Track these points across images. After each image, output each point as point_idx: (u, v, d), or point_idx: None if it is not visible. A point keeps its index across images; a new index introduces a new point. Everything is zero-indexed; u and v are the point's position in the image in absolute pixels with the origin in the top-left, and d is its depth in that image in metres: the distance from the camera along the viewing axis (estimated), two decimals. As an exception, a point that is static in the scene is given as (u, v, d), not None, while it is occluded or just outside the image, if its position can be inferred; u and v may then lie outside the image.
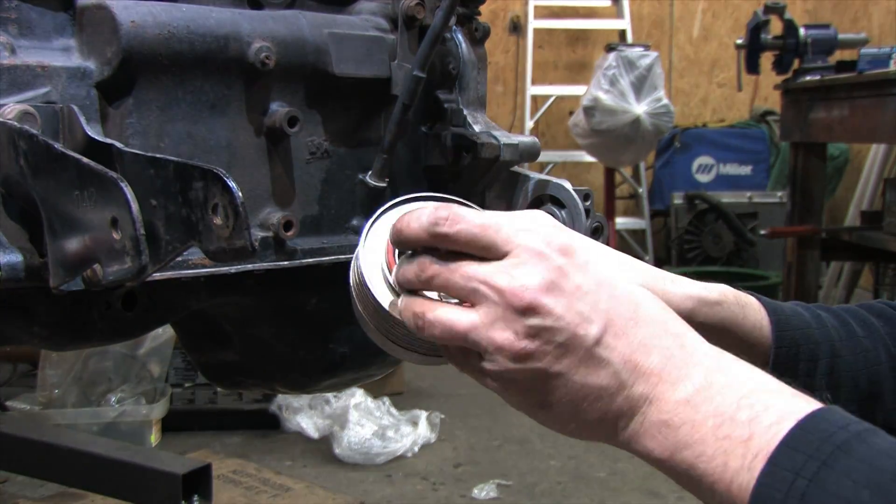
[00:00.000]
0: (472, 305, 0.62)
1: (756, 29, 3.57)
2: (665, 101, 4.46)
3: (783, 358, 0.78)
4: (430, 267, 0.64)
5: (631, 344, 0.60)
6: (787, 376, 0.76)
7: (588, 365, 0.60)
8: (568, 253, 0.62)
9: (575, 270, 0.61)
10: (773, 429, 0.54)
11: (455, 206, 0.66)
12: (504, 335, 0.60)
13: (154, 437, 2.92)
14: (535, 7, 5.61)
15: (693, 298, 0.74)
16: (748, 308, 0.78)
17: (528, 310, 0.60)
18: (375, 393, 3.11)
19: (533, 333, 0.60)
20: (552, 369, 0.60)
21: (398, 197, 0.74)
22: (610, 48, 4.66)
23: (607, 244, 0.80)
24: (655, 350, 0.60)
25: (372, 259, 0.70)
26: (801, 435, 0.53)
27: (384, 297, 0.69)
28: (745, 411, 0.56)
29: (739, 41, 3.68)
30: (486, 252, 0.63)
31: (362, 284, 0.69)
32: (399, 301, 0.67)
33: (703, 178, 5.65)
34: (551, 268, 0.61)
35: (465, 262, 0.63)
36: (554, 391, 0.61)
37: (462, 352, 0.65)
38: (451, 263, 0.63)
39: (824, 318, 0.82)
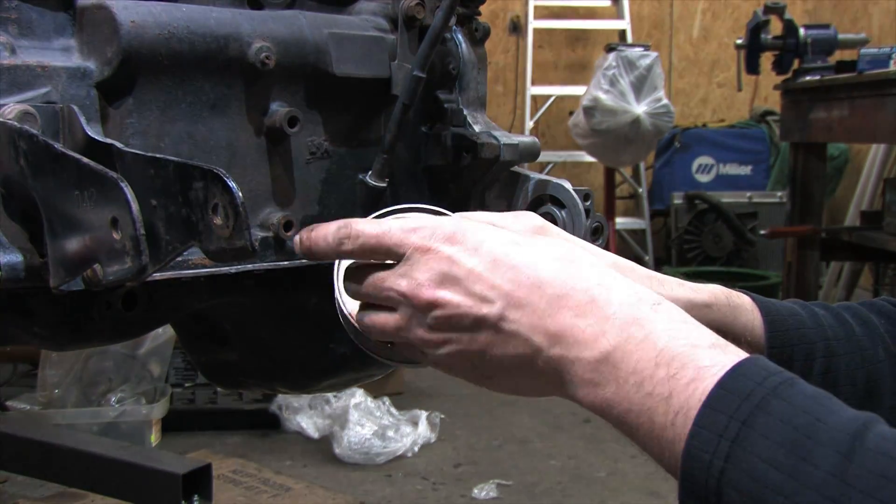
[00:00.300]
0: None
1: (756, 29, 3.57)
2: (665, 101, 4.46)
3: (776, 358, 0.77)
4: (356, 280, 0.70)
5: (535, 311, 0.61)
6: None
7: (499, 339, 0.62)
8: (455, 240, 0.64)
9: (465, 256, 0.63)
10: (690, 386, 0.55)
11: (354, 221, 0.69)
12: (421, 331, 0.65)
13: (154, 437, 2.92)
14: (535, 7, 5.61)
15: (681, 300, 0.74)
16: (739, 309, 0.78)
17: (430, 306, 0.64)
18: (375, 393, 3.11)
19: (441, 325, 0.64)
20: (472, 349, 0.64)
21: (389, 207, 0.77)
22: (610, 48, 4.66)
23: (607, 244, 0.80)
24: (563, 311, 0.60)
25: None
26: (722, 395, 0.53)
27: (353, 307, 0.74)
28: (662, 369, 0.56)
29: (739, 41, 3.68)
30: (389, 258, 0.67)
31: (336, 296, 0.74)
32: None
33: (703, 178, 5.66)
34: (441, 259, 0.64)
35: (374, 273, 0.68)
36: (484, 365, 0.64)
37: (409, 347, 0.69)
38: (366, 275, 0.68)
39: (821, 317, 0.82)
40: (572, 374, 0.60)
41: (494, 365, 0.64)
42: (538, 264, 0.62)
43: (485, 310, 0.62)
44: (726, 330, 0.77)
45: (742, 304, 0.79)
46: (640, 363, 0.57)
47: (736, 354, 0.57)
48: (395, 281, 0.66)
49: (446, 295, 0.63)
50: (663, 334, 0.58)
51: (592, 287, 0.61)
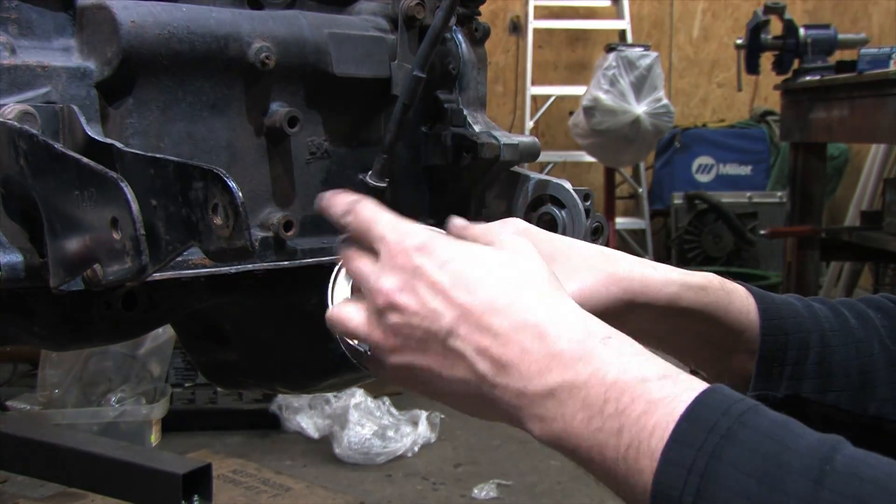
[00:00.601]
0: None
1: (756, 29, 3.57)
2: (665, 101, 4.46)
3: (771, 345, 0.77)
4: (343, 254, 0.71)
5: (485, 337, 0.61)
6: (775, 364, 0.77)
7: (447, 358, 0.62)
8: (426, 251, 0.64)
9: (431, 268, 0.63)
10: (641, 420, 0.54)
11: (365, 202, 0.70)
12: (378, 332, 0.65)
13: (154, 437, 2.92)
14: (535, 7, 5.60)
15: (676, 283, 0.74)
16: (734, 294, 0.78)
17: (387, 307, 0.64)
18: (375, 393, 3.11)
19: (396, 331, 0.64)
20: (422, 364, 0.64)
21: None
22: (610, 48, 4.66)
23: (607, 244, 0.80)
24: (511, 343, 0.60)
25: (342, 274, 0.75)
26: (687, 427, 0.53)
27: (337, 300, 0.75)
28: (611, 404, 0.56)
29: (739, 41, 3.68)
30: (371, 246, 0.68)
31: (329, 288, 0.75)
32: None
33: (703, 178, 5.65)
34: (408, 266, 0.64)
35: (357, 257, 0.69)
36: (434, 385, 0.64)
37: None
38: (351, 257, 0.70)
39: (816, 309, 0.82)
40: (519, 406, 0.60)
41: (444, 387, 0.64)
42: (496, 291, 0.62)
43: (435, 325, 0.62)
44: (722, 313, 0.76)
45: (736, 290, 0.78)
46: (589, 398, 0.57)
47: (688, 384, 0.56)
48: (369, 275, 0.66)
49: (403, 299, 0.63)
50: (612, 368, 0.57)
51: (543, 321, 0.60)
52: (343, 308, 0.70)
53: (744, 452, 0.51)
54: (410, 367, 0.65)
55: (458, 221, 0.73)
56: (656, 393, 0.55)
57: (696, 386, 0.56)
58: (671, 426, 0.53)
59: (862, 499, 0.48)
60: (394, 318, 0.64)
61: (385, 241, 0.66)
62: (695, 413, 0.53)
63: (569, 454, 0.59)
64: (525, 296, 0.62)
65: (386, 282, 0.64)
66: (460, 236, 0.71)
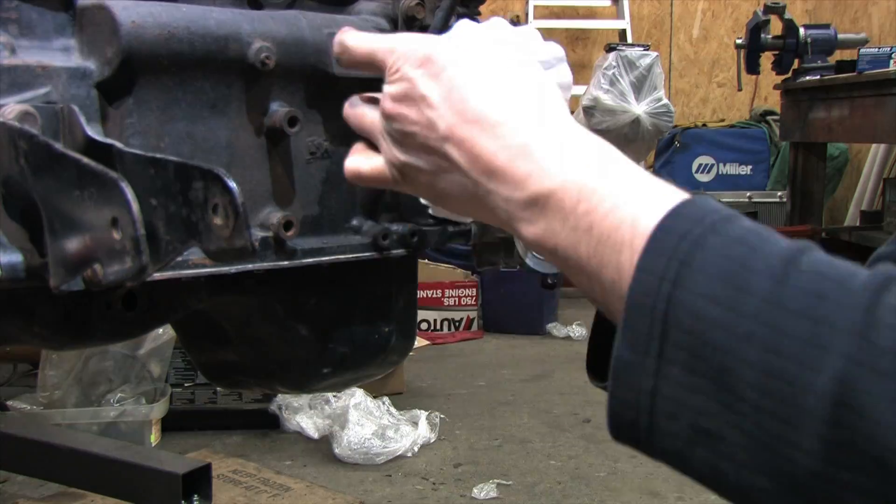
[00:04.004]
0: None
1: (756, 29, 3.57)
2: (665, 101, 4.46)
3: None
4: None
5: (475, 146, 0.63)
6: None
7: (444, 166, 0.66)
8: (421, 64, 0.67)
9: (425, 80, 0.66)
10: (608, 216, 0.57)
11: (347, 37, 0.73)
12: (384, 144, 0.70)
13: (154, 437, 2.92)
14: (535, 7, 5.61)
15: None
16: None
17: (389, 118, 0.68)
18: (375, 393, 3.11)
19: (399, 139, 0.68)
20: (426, 168, 0.67)
21: None
22: (610, 48, 4.66)
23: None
24: (501, 151, 0.62)
25: None
26: (660, 237, 0.54)
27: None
28: (583, 204, 0.58)
29: (739, 41, 3.69)
30: (379, 72, 0.71)
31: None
32: None
33: (703, 177, 5.66)
34: (404, 79, 0.67)
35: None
36: (435, 186, 0.68)
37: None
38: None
39: None
40: (508, 211, 0.63)
41: (446, 191, 0.67)
42: (490, 103, 0.64)
43: (431, 135, 0.65)
44: None
45: None
46: (563, 202, 0.59)
47: (660, 191, 0.57)
48: (383, 86, 0.70)
49: (402, 110, 0.67)
50: (588, 173, 0.60)
51: (530, 138, 0.62)
52: (360, 106, 0.74)
53: (712, 257, 0.52)
54: (415, 167, 0.68)
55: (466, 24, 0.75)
56: (623, 192, 0.58)
57: (667, 192, 0.57)
58: (638, 222, 0.55)
59: (821, 294, 0.48)
60: (395, 126, 0.68)
61: (385, 63, 0.69)
62: (670, 222, 0.54)
63: (551, 256, 0.61)
64: (516, 110, 0.64)
65: (389, 91, 0.68)
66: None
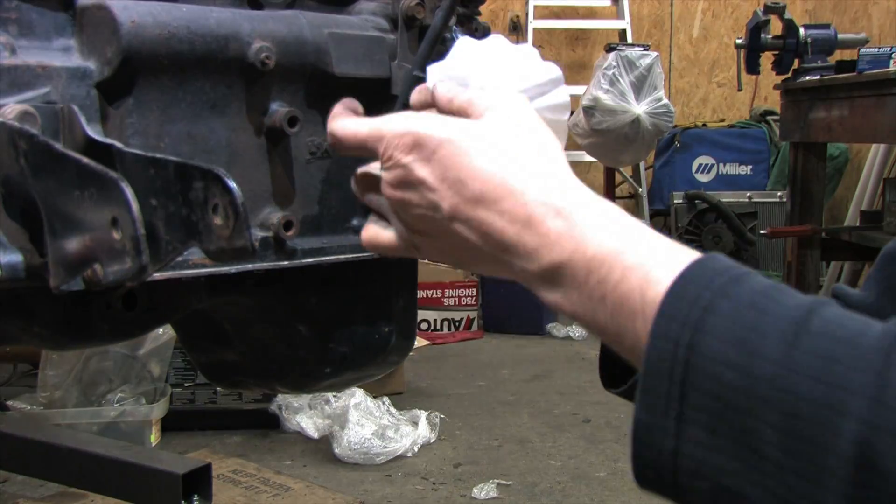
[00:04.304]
0: None
1: (756, 29, 3.57)
2: (665, 101, 4.46)
3: None
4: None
5: (483, 223, 0.64)
6: None
7: (457, 241, 0.66)
8: (412, 149, 0.67)
9: (419, 165, 0.66)
10: (619, 287, 0.58)
11: (337, 127, 0.73)
12: (395, 222, 0.71)
13: (154, 437, 2.92)
14: (535, 7, 5.60)
15: None
16: None
17: (396, 203, 0.69)
18: (375, 393, 3.11)
19: (405, 220, 0.69)
20: (438, 244, 0.68)
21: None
22: (610, 48, 4.66)
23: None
24: (507, 229, 0.63)
25: None
26: (673, 303, 0.55)
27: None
28: (594, 275, 0.59)
29: (739, 41, 3.68)
30: (375, 156, 0.71)
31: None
32: None
33: (703, 177, 5.65)
34: (399, 166, 0.67)
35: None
36: (457, 256, 0.69)
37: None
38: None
39: None
40: (526, 280, 0.64)
41: (464, 259, 0.68)
42: (486, 181, 0.64)
43: (437, 216, 0.66)
44: None
45: None
46: (575, 273, 0.60)
47: (663, 250, 0.59)
48: (381, 171, 0.70)
49: (403, 195, 0.67)
50: (591, 241, 0.61)
51: (531, 208, 0.63)
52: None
53: (725, 323, 0.53)
54: (429, 242, 0.69)
55: (443, 92, 0.73)
56: (631, 259, 0.59)
57: (674, 253, 0.59)
58: (647, 290, 0.56)
59: (833, 357, 0.49)
60: (400, 208, 0.68)
61: (379, 152, 0.69)
62: (678, 288, 0.55)
63: (573, 319, 0.63)
64: (513, 180, 0.64)
65: (386, 178, 0.68)
66: (450, 110, 0.72)
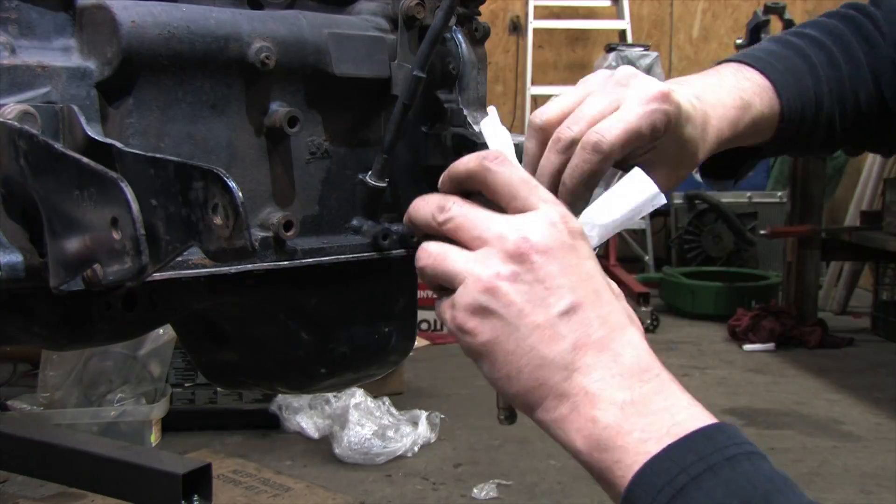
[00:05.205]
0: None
1: (756, 29, 3.57)
2: (665, 101, 4.45)
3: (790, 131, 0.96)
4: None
5: (586, 335, 0.65)
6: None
7: (547, 334, 0.65)
8: (523, 260, 0.65)
9: (539, 264, 0.65)
10: (612, 469, 0.62)
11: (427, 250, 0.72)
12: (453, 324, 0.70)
13: (154, 437, 2.92)
14: (535, 7, 5.61)
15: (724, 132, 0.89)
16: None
17: (458, 330, 0.69)
18: (375, 393, 3.11)
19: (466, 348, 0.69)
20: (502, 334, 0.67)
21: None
22: (610, 48, 4.67)
23: (607, 244, 0.81)
24: (545, 401, 0.66)
25: None
26: (679, 453, 0.59)
27: None
28: (595, 453, 0.62)
29: (739, 41, 3.69)
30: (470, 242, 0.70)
31: None
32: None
33: (704, 178, 5.64)
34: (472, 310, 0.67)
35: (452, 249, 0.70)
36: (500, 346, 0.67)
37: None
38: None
39: (819, 69, 0.98)
40: (579, 405, 0.65)
41: (514, 346, 0.67)
42: (542, 351, 0.65)
43: (551, 305, 0.66)
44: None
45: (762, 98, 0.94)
46: (653, 425, 0.61)
47: (632, 450, 0.61)
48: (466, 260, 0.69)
49: (476, 325, 0.67)
50: (683, 411, 0.62)
51: (575, 389, 0.64)
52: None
53: (719, 486, 0.56)
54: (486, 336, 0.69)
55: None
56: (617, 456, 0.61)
57: (630, 455, 0.61)
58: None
59: None
60: (462, 337, 0.68)
61: (489, 241, 0.67)
62: (632, 494, 0.59)
63: (601, 466, 0.63)
64: (564, 364, 0.65)
65: (458, 305, 0.67)
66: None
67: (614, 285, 0.71)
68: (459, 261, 0.67)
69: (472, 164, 0.69)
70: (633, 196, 0.78)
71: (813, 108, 0.97)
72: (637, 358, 0.64)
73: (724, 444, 0.58)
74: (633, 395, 0.62)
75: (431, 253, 0.69)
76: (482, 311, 0.65)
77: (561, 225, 0.66)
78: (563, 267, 0.64)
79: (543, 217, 0.66)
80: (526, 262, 0.64)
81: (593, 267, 0.67)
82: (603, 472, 0.62)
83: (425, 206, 0.71)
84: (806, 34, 1.01)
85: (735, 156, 0.99)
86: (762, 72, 0.95)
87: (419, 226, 0.73)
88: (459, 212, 0.68)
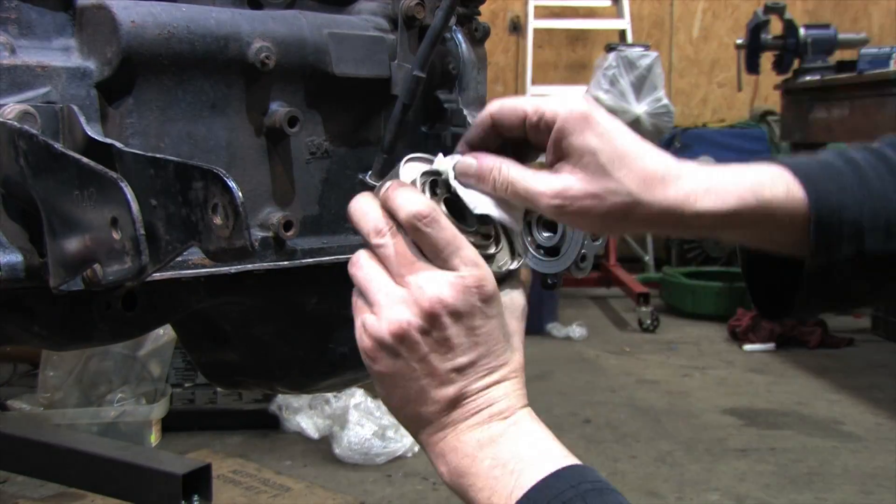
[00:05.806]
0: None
1: (756, 29, 3.58)
2: (665, 101, 4.46)
3: (825, 234, 0.80)
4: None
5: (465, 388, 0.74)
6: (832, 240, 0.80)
7: (437, 381, 0.73)
8: (434, 319, 0.72)
9: (448, 325, 0.72)
10: (533, 478, 0.70)
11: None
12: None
13: (154, 437, 2.92)
14: (535, 7, 5.61)
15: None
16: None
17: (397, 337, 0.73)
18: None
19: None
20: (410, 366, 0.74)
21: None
22: (610, 48, 4.66)
23: (607, 244, 0.82)
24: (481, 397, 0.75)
25: None
26: (543, 487, 0.69)
27: None
28: (516, 463, 0.72)
29: (739, 41, 3.69)
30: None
31: None
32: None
33: (704, 178, 5.65)
34: (414, 327, 0.72)
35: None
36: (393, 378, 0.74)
37: None
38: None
39: (865, 172, 0.83)
40: (447, 437, 0.76)
41: (406, 378, 0.74)
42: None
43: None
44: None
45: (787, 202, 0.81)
46: (500, 454, 0.73)
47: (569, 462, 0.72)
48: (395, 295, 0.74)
49: (381, 357, 0.73)
50: (529, 448, 0.74)
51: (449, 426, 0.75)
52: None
53: None
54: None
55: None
56: (549, 467, 0.72)
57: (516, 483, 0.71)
58: None
59: None
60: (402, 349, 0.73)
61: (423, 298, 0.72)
62: (550, 481, 0.69)
63: (461, 489, 0.75)
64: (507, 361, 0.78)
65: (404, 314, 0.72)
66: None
67: (516, 327, 0.79)
68: (381, 293, 0.73)
69: (405, 218, 0.73)
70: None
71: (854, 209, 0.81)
72: (508, 405, 0.77)
73: (561, 489, 0.68)
74: (490, 434, 0.74)
75: (362, 267, 0.74)
76: (388, 349, 0.72)
77: (474, 290, 0.72)
78: (467, 329, 0.72)
79: (460, 282, 0.72)
80: (436, 322, 0.71)
81: (495, 325, 0.74)
82: (464, 494, 0.73)
83: (365, 221, 0.74)
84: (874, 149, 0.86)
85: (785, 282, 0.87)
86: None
87: (358, 232, 0.76)
88: (391, 244, 0.73)
